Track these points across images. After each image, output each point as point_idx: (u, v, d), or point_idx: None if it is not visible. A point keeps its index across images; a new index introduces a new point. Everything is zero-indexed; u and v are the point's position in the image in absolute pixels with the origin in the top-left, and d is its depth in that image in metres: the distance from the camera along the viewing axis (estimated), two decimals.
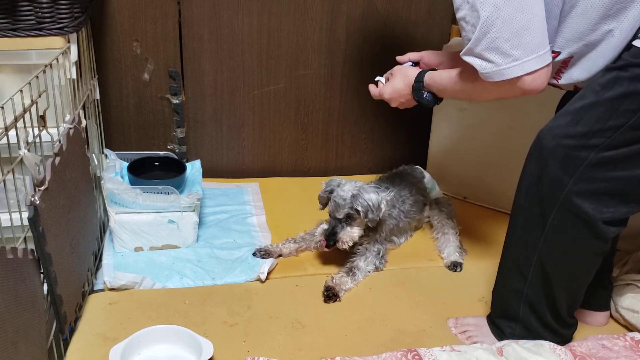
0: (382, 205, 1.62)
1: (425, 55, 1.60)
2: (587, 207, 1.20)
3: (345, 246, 1.63)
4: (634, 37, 1.15)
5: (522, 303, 1.35)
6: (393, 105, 1.56)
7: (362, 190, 1.62)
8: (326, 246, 1.63)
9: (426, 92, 1.46)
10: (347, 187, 1.63)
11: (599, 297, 1.52)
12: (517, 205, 1.32)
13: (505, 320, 1.40)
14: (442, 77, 1.41)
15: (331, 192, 1.66)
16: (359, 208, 1.60)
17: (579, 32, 1.21)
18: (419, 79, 1.46)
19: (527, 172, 1.28)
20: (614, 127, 1.15)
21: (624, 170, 1.18)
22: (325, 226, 1.65)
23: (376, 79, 1.61)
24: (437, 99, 1.46)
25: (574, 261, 1.28)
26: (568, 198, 1.21)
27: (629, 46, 1.16)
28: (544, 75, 1.20)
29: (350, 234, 1.63)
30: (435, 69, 1.48)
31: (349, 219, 1.62)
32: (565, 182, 1.20)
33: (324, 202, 1.70)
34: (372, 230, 1.70)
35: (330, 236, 1.61)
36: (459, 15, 1.21)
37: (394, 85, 1.52)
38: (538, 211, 1.26)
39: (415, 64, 1.60)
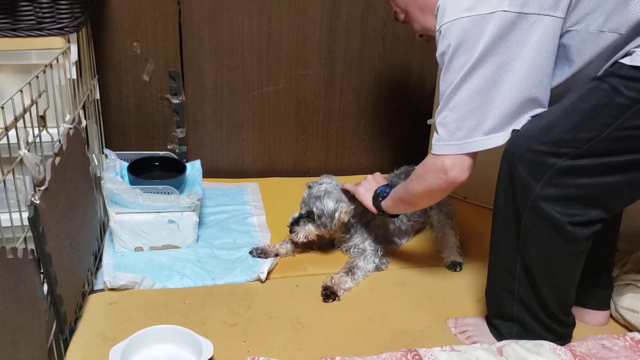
0: (337, 215, 1.64)
1: None
2: (554, 211, 1.21)
3: (298, 239, 1.69)
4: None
5: (514, 302, 1.35)
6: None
7: (327, 194, 1.66)
8: (290, 233, 1.72)
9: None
10: (323, 187, 1.69)
11: (598, 296, 1.52)
12: (497, 205, 1.34)
13: (502, 321, 1.41)
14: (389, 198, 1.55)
15: (310, 187, 1.72)
16: (314, 210, 1.65)
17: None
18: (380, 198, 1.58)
19: (501, 173, 1.30)
20: (586, 138, 1.16)
21: (593, 178, 1.19)
22: (295, 215, 1.71)
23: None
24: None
25: (553, 262, 1.29)
26: (536, 202, 1.22)
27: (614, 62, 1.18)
28: (467, 162, 1.29)
29: (306, 231, 1.68)
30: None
31: (310, 217, 1.67)
32: (532, 186, 1.22)
33: None
34: (355, 227, 1.73)
35: (291, 226, 1.69)
36: None
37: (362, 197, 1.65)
38: (513, 212, 1.28)
39: None
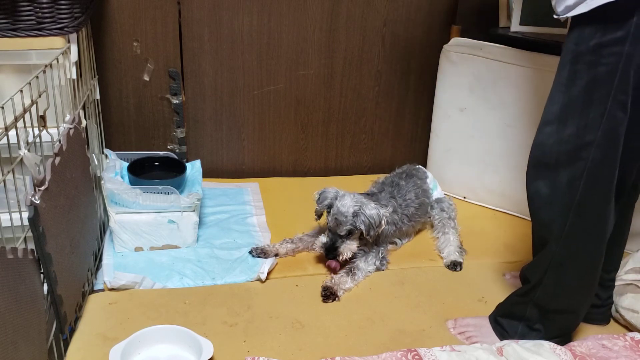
0: (383, 222, 1.64)
1: None
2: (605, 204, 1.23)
3: (345, 257, 1.65)
4: None
5: (529, 304, 1.37)
6: None
7: (363, 206, 1.63)
8: (327, 257, 1.66)
9: None
10: (347, 201, 1.63)
11: (603, 311, 1.53)
12: (536, 218, 1.33)
13: (510, 320, 1.41)
14: None
15: (330, 206, 1.66)
16: (362, 226, 1.61)
17: None
18: None
19: (536, 186, 1.28)
20: (598, 115, 1.16)
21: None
22: (323, 239, 1.66)
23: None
24: None
25: (588, 265, 1.30)
26: (583, 200, 1.22)
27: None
28: None
29: (349, 247, 1.65)
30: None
31: (349, 234, 1.64)
32: (577, 186, 1.22)
33: (320, 214, 1.72)
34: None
35: (331, 250, 1.64)
36: None
37: None
38: (557, 221, 1.27)
39: None
